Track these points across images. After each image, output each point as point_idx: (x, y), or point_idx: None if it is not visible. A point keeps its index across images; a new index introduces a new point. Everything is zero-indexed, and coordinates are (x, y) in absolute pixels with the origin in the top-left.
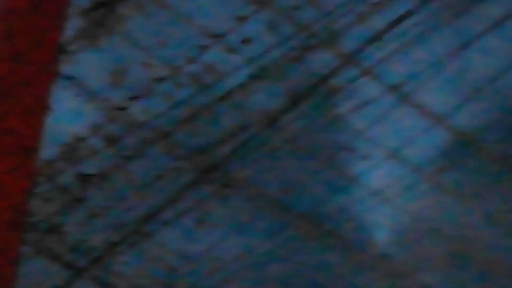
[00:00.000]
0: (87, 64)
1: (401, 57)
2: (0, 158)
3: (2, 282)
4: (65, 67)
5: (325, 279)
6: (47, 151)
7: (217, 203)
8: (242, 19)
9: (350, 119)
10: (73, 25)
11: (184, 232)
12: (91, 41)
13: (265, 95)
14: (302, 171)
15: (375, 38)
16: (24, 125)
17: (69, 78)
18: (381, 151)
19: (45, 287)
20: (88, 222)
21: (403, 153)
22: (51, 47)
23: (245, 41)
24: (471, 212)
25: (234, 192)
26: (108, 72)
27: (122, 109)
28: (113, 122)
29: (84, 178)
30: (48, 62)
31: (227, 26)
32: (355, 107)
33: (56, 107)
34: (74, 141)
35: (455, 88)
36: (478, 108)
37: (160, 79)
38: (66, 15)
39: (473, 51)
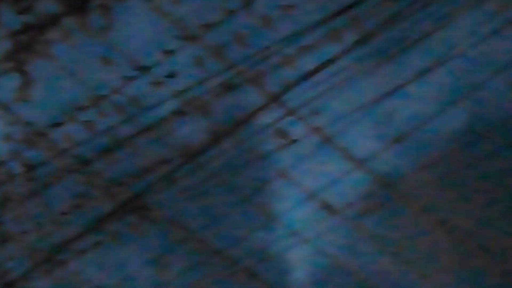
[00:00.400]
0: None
1: (327, 99)
2: None
3: None
4: None
5: None
6: None
7: (134, 235)
8: (169, 53)
9: (273, 158)
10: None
11: (99, 262)
12: (16, 65)
13: (188, 130)
14: (222, 207)
15: (302, 79)
16: None
17: None
18: (302, 192)
19: None
20: (2, 246)
21: (324, 195)
22: None
23: (171, 75)
24: (387, 256)
25: (152, 225)
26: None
27: (43, 135)
28: (33, 148)
29: (0, 203)
30: None
31: (154, 59)
32: (278, 146)
33: None
34: None
35: (379, 133)
36: (401, 153)
37: (84, 107)
38: None
39: (398, 97)
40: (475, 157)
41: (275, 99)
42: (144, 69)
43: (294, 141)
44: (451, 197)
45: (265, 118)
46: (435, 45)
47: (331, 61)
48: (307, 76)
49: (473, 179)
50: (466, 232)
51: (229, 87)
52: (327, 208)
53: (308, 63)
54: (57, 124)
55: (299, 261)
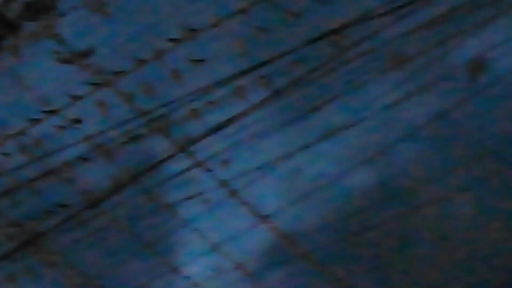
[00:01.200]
0: None
1: (235, 153)
2: None
3: None
4: None
5: None
6: None
7: (30, 278)
8: (77, 98)
9: (177, 208)
10: None
11: None
12: None
13: (93, 176)
14: (123, 255)
15: (210, 132)
16: None
17: None
18: (205, 243)
19: None
20: None
21: (226, 248)
22: None
23: (77, 120)
24: None
25: (50, 268)
26: None
27: None
28: None
29: None
30: None
31: (62, 102)
32: (183, 197)
33: None
34: None
35: (285, 189)
36: (305, 212)
37: None
38: None
39: (305, 155)
40: (380, 218)
41: (182, 149)
42: (51, 112)
43: (200, 193)
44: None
45: (172, 168)
46: (347, 105)
47: (238, 116)
48: (215, 129)
49: (375, 240)
50: None
51: (136, 136)
52: (230, 261)
53: (216, 117)
54: None
55: None
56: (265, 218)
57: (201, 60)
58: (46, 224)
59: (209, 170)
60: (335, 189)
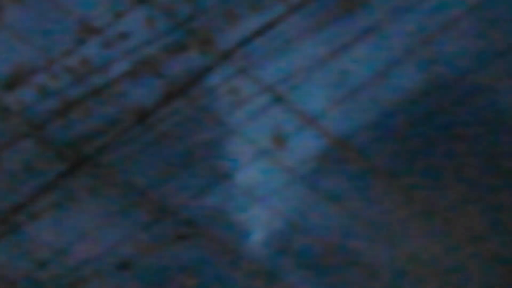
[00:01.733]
0: None
1: (278, 57)
2: None
3: None
4: None
5: (197, 278)
6: None
7: (87, 196)
8: (120, 14)
9: (224, 117)
10: None
11: (54, 225)
12: None
13: (139, 91)
14: (174, 168)
15: (252, 37)
16: None
17: None
18: (254, 150)
19: None
20: None
21: (276, 153)
22: None
23: (122, 36)
24: (344, 216)
25: (104, 185)
26: None
27: None
28: None
29: None
30: None
31: (105, 21)
32: (229, 105)
33: None
34: None
35: (332, 91)
36: (353, 112)
37: (35, 70)
38: None
39: (349, 56)
40: (425, 114)
41: (225, 57)
42: (95, 30)
43: (246, 100)
44: (403, 155)
45: (217, 77)
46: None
47: (279, 19)
48: (256, 34)
49: (423, 136)
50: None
51: (180, 47)
52: (281, 166)
53: (257, 21)
54: (8, 87)
55: (255, 221)
56: (313, 120)
57: None
58: (98, 143)
59: (253, 76)
60: (382, 86)
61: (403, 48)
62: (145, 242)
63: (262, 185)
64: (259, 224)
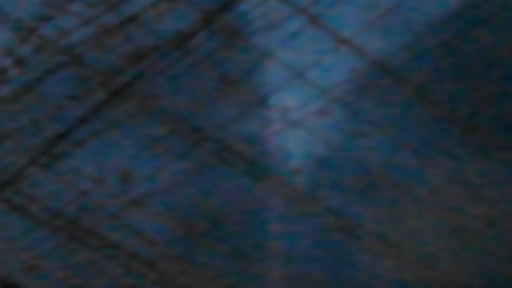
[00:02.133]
0: None
1: None
2: None
3: None
4: None
5: (236, 202)
6: None
7: (127, 124)
8: None
9: (259, 41)
10: None
11: (95, 154)
12: None
13: (176, 17)
14: (211, 93)
15: None
16: None
17: None
18: (290, 73)
19: None
20: None
21: (311, 75)
22: None
23: None
24: (384, 140)
25: (143, 113)
26: None
27: (32, 30)
28: (24, 44)
29: None
30: None
31: None
32: (263, 29)
33: None
34: None
35: (365, 13)
36: (387, 33)
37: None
38: None
39: None
40: (457, 34)
41: None
42: None
43: (280, 23)
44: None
45: (251, 1)
46: None
47: None
48: None
49: (457, 56)
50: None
51: None
52: (316, 88)
53: None
54: (46, 18)
55: (293, 145)
56: (346, 41)
57: None
58: (136, 70)
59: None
60: (415, 7)
61: None
62: (185, 168)
63: (299, 108)
64: (297, 147)
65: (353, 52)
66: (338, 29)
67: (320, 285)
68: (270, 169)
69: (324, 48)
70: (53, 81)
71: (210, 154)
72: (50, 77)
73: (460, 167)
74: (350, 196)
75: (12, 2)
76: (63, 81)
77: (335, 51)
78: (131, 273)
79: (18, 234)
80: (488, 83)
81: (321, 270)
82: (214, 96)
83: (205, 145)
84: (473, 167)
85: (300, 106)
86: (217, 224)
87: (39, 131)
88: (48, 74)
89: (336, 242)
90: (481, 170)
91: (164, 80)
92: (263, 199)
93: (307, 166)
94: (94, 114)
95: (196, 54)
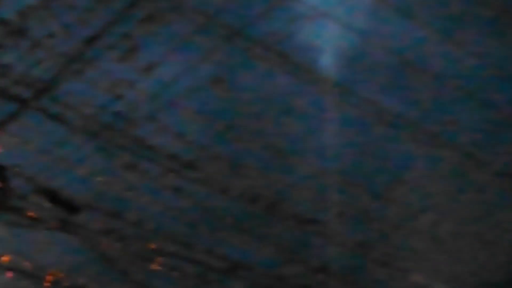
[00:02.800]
0: None
1: None
2: None
3: None
4: None
5: (272, 98)
6: None
7: (156, 25)
8: None
9: None
10: None
11: (126, 57)
12: None
13: None
14: None
15: None
16: None
17: None
18: None
19: None
20: (31, 53)
21: None
22: None
23: None
24: (417, 28)
25: (172, 11)
26: None
27: None
28: None
29: (25, 11)
30: None
31: None
32: None
33: None
34: None
35: None
36: None
37: None
38: None
39: None
40: None
41: None
42: None
43: None
44: None
45: None
46: None
47: None
48: None
49: None
50: None
51: None
52: None
53: None
54: None
55: (325, 37)
56: None
57: None
58: None
59: None
60: None
61: None
62: (217, 65)
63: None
64: (329, 39)
65: None
66: None
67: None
68: (303, 63)
69: None
70: None
71: (241, 51)
72: None
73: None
74: (386, 86)
75: None
76: None
77: None
78: (171, 174)
79: (56, 143)
80: None
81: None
82: None
83: (239, 41)
84: None
85: None
86: (254, 120)
87: (70, 37)
88: None
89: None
90: None
91: None
92: (297, 95)
93: (340, 57)
94: (124, 16)
95: None
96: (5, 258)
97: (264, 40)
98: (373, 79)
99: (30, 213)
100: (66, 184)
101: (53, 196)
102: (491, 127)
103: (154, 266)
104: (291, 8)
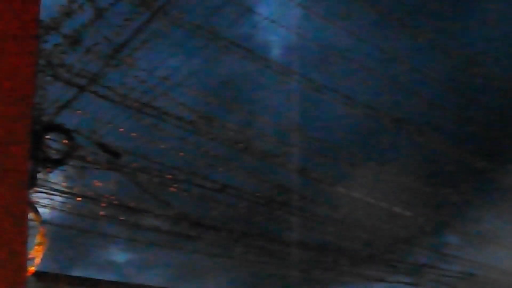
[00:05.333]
0: None
1: None
2: None
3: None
4: None
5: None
6: None
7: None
8: None
9: None
10: None
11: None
12: None
13: None
14: None
15: None
16: None
17: None
18: None
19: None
20: (85, 56)
21: None
22: None
23: None
24: None
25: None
26: None
27: None
28: None
29: (79, 28)
30: None
31: None
32: None
33: None
34: None
35: None
36: None
37: None
38: None
39: None
40: None
41: None
42: None
43: None
44: None
45: None
46: None
47: None
48: None
49: None
50: None
51: None
52: None
53: None
54: None
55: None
56: None
57: None
58: None
59: None
60: None
61: None
62: None
63: None
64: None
65: None
66: None
67: None
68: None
69: None
70: None
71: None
72: None
73: None
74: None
75: None
76: None
77: None
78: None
79: (104, 112)
80: None
81: None
82: None
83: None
84: None
85: None
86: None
87: (109, 44)
88: None
89: None
90: None
91: None
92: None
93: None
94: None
95: None
96: (75, 189)
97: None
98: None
99: (89, 159)
100: (112, 139)
101: (104, 147)
102: None
103: (172, 189)
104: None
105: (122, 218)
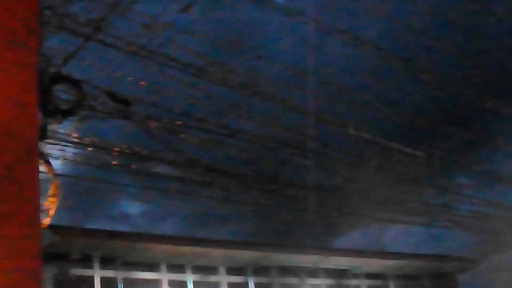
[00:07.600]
0: None
1: None
2: None
3: None
4: None
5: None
6: None
7: None
8: None
9: None
10: None
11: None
12: None
13: None
14: None
15: None
16: None
17: None
18: None
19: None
20: (88, 5)
21: None
22: None
23: None
24: None
25: None
26: None
27: None
28: None
29: None
30: None
31: None
32: None
33: None
34: None
35: None
36: None
37: None
38: None
39: None
40: None
41: None
42: None
43: None
44: None
45: None
46: None
47: None
48: None
49: None
50: None
51: None
52: None
53: None
54: None
55: None
56: None
57: None
58: None
59: None
60: None
61: None
62: None
63: None
64: None
65: None
66: None
67: None
68: None
69: None
70: None
71: None
72: None
73: None
74: None
75: None
76: None
77: None
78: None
79: (111, 60)
80: None
81: None
82: None
83: None
84: None
85: None
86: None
87: None
88: None
89: None
90: None
91: None
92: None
93: None
94: None
95: None
96: (87, 139)
97: None
98: None
99: (100, 108)
100: (121, 88)
101: (113, 96)
102: None
103: (182, 135)
104: None
105: (134, 167)
